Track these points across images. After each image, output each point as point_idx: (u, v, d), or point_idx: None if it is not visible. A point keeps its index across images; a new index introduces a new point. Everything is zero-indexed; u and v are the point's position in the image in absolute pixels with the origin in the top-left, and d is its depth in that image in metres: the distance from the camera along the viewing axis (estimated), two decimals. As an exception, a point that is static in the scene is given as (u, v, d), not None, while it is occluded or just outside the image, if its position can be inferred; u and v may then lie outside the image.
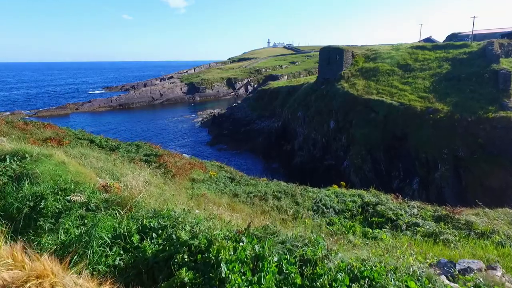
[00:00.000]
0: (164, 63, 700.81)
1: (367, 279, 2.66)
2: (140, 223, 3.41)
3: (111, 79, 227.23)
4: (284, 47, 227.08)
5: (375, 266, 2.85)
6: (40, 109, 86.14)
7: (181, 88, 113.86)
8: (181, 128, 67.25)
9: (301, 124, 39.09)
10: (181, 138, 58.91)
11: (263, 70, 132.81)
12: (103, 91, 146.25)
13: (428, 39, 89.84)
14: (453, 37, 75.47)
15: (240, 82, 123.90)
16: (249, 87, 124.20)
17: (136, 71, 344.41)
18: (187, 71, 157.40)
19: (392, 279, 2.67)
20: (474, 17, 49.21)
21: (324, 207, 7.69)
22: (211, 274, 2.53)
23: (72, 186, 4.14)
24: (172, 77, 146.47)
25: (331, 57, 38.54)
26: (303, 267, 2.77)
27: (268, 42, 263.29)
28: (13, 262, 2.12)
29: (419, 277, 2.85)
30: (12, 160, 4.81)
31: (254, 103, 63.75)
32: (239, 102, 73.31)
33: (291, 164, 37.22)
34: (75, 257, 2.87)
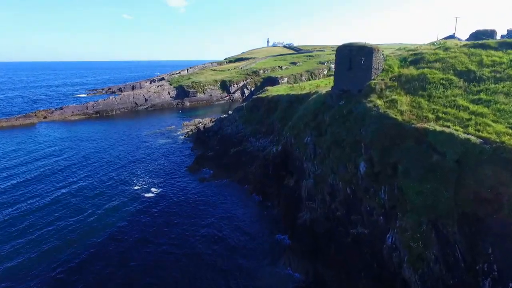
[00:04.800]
0: (164, 63, 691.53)
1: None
2: None
3: (105, 80, 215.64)
4: (284, 46, 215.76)
5: None
6: (1, 119, 73.88)
7: (169, 92, 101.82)
8: (160, 144, 55.33)
9: (310, 157, 27.13)
10: (156, 159, 46.99)
11: (261, 71, 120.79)
12: (87, 95, 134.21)
13: (452, 37, 78.12)
14: (479, 34, 63.65)
15: (235, 85, 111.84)
16: (245, 90, 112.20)
17: (134, 71, 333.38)
18: (179, 72, 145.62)
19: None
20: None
21: None
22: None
23: None
24: (163, 78, 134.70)
25: (354, 59, 26.56)
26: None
27: (268, 41, 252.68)
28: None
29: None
30: None
31: (247, 115, 51.82)
32: (230, 112, 61.34)
33: (296, 221, 25.25)
34: None
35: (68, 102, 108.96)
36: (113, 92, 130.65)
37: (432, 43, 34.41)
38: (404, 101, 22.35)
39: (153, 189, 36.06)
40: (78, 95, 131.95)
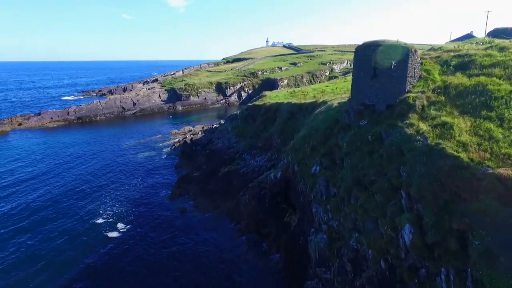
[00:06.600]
0: (163, 63, 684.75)
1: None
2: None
3: (101, 81, 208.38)
4: (284, 46, 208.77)
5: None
6: (-31, 126, 66.55)
7: (159, 96, 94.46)
8: (140, 159, 48.02)
9: (320, 197, 19.86)
10: (131, 181, 39.65)
11: (260, 72, 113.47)
12: (75, 97, 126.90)
13: (470, 36, 71.06)
14: (497, 33, 56.70)
15: (232, 88, 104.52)
16: (242, 93, 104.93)
17: (133, 72, 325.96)
18: (174, 73, 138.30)
19: None
20: None
21: None
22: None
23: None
24: (156, 80, 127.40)
25: (380, 63, 19.33)
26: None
27: (267, 41, 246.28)
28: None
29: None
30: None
31: (242, 126, 44.59)
32: (222, 122, 54.08)
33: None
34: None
35: (54, 105, 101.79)
36: (103, 95, 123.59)
37: (474, 42, 27.20)
38: (463, 126, 15.09)
39: (119, 225, 28.76)
40: (65, 98, 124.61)
